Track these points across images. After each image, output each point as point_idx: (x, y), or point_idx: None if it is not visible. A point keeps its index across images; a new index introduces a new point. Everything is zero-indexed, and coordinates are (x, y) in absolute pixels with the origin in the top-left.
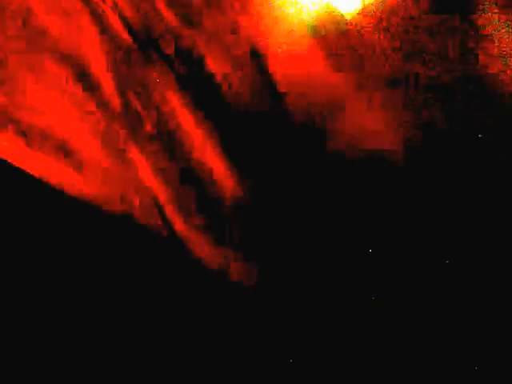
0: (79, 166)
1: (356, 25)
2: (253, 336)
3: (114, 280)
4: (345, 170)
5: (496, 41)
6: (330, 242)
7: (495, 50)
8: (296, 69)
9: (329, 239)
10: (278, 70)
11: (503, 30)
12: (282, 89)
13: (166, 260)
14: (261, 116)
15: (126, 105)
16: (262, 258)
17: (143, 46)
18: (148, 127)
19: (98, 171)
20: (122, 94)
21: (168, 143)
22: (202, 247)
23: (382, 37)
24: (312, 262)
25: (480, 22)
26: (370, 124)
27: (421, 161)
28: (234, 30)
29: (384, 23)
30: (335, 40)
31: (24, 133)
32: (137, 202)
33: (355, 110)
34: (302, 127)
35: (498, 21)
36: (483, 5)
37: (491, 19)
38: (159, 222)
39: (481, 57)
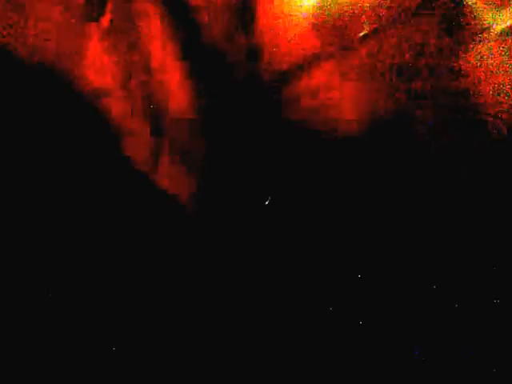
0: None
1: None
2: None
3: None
4: (301, 130)
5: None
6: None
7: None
8: (280, 26)
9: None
10: (261, 21)
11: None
12: (258, 36)
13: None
14: (230, 52)
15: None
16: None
17: None
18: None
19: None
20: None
21: (129, 43)
22: (137, 147)
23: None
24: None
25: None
26: (335, 92)
27: (375, 132)
28: None
29: (374, 16)
30: (326, 16)
31: None
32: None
33: (323, 71)
34: (268, 71)
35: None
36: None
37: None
38: (102, 107)
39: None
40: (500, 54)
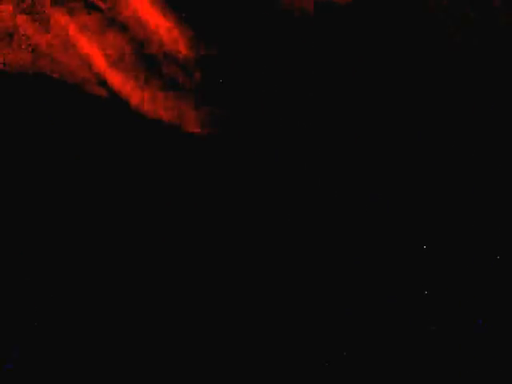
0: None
1: None
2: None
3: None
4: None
5: None
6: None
7: None
8: None
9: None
10: None
11: None
12: None
13: (104, 116)
14: None
15: None
16: (215, 103)
17: None
18: None
19: (24, 41)
20: None
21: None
22: (139, 99)
23: None
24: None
25: None
26: None
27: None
28: None
29: None
30: None
31: None
32: (68, 62)
33: None
34: None
35: None
36: None
37: None
38: (92, 78)
39: None
40: None
